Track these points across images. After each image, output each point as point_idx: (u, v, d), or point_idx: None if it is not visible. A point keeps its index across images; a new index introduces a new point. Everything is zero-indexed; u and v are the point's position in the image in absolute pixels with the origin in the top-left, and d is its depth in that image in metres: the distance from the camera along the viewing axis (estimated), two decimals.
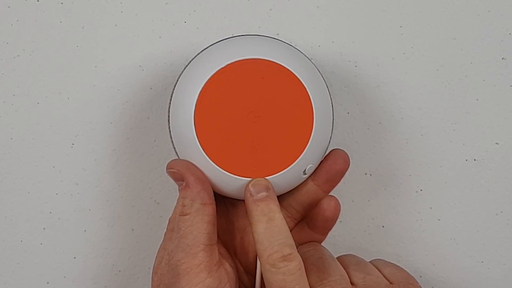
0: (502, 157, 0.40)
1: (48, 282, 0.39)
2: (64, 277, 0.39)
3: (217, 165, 0.34)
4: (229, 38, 0.36)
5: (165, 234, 0.35)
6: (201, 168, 0.34)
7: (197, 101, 0.33)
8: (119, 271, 0.40)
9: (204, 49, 0.35)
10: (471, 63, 0.40)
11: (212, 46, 0.35)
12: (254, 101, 0.34)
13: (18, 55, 0.39)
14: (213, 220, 0.33)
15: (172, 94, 0.35)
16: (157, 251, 0.34)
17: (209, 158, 0.33)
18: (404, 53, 0.40)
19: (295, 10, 0.40)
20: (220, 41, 0.35)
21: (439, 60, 0.40)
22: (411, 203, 0.40)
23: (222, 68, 0.33)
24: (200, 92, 0.33)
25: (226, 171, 0.34)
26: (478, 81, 0.40)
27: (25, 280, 0.40)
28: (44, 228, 0.39)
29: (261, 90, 0.34)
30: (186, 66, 0.35)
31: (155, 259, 0.34)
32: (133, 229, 0.40)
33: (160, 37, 0.39)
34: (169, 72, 0.40)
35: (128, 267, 0.40)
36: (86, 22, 0.39)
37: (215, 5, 0.40)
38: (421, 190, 0.40)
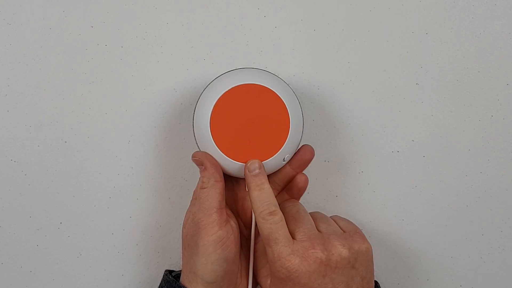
0: (416, 150, 0.46)
1: (112, 233, 0.46)
2: (123, 230, 0.45)
3: (225, 155, 0.38)
4: (233, 70, 0.40)
5: (191, 202, 0.39)
6: (214, 157, 0.38)
7: (211, 112, 0.38)
8: (160, 226, 0.45)
9: (216, 77, 0.40)
10: (395, 87, 0.45)
11: (222, 75, 0.39)
12: (250, 112, 0.38)
13: (93, 81, 0.45)
14: (222, 192, 0.37)
15: (195, 108, 0.39)
16: (185, 213, 0.39)
17: (220, 150, 0.38)
18: (350, 80, 0.45)
19: (278, 51, 0.46)
20: (227, 72, 0.40)
21: (374, 85, 0.46)
22: (355, 180, 0.45)
23: (229, 89, 0.38)
24: (214, 106, 0.38)
25: (231, 158, 0.38)
26: (400, 99, 0.45)
27: (96, 231, 0.46)
28: (110, 197, 0.45)
29: (255, 105, 0.38)
30: (204, 89, 0.39)
31: (184, 218, 0.39)
32: (169, 198, 0.45)
33: (187, 69, 0.45)
34: (193, 93, 0.45)
35: (166, 222, 0.45)
36: (138, 59, 0.45)
37: (224, 48, 0.45)
38: (362, 171, 0.45)
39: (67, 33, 0.45)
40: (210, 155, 0.38)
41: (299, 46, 0.46)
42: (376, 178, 0.46)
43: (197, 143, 0.39)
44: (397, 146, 0.46)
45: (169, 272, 0.42)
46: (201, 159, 0.38)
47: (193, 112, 0.39)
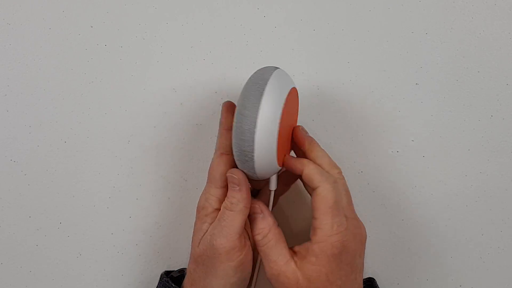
0: (416, 150, 0.46)
1: (112, 233, 0.46)
2: (123, 230, 0.46)
3: (279, 164, 0.37)
4: (264, 68, 0.37)
5: (199, 218, 0.38)
6: (269, 164, 0.36)
7: (280, 119, 0.35)
8: (160, 225, 0.46)
9: (259, 74, 0.35)
10: (395, 87, 0.46)
11: (273, 76, 0.35)
12: (291, 115, 0.38)
13: (92, 81, 0.46)
14: (246, 217, 0.37)
15: (248, 113, 0.34)
16: (193, 230, 0.38)
17: (278, 159, 0.36)
18: (350, 80, 0.46)
19: (278, 51, 0.46)
20: (261, 72, 0.36)
21: (373, 85, 0.46)
22: (355, 180, 0.46)
23: (287, 95, 0.36)
24: (281, 113, 0.35)
25: (280, 166, 0.38)
26: (400, 99, 0.46)
27: (96, 231, 0.46)
28: (109, 197, 0.46)
29: (293, 108, 0.39)
30: (251, 93, 0.34)
31: (194, 235, 0.38)
32: (169, 198, 0.46)
33: (187, 69, 0.46)
34: (193, 93, 0.46)
35: (166, 222, 0.46)
36: (138, 59, 0.46)
37: (224, 48, 0.46)
38: (362, 171, 0.46)
39: (67, 33, 0.46)
40: (247, 178, 0.37)
41: (299, 46, 0.47)
42: (376, 178, 0.47)
43: (241, 151, 0.35)
44: (397, 146, 0.47)
45: (165, 275, 0.41)
46: (239, 180, 0.37)
47: (239, 117, 0.35)
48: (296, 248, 0.37)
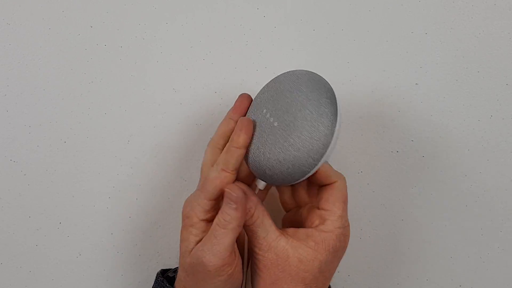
0: (416, 150, 0.46)
1: (112, 234, 0.46)
2: (123, 230, 0.46)
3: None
4: (318, 75, 0.37)
5: (184, 226, 0.37)
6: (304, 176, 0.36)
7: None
8: (159, 226, 0.47)
9: (321, 84, 0.36)
10: (395, 87, 0.46)
11: (330, 85, 0.36)
12: None
13: (92, 81, 0.46)
14: (237, 235, 0.36)
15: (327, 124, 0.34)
16: (180, 237, 0.37)
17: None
18: (350, 80, 0.46)
19: (277, 51, 0.47)
20: (318, 76, 0.37)
21: (373, 85, 0.47)
22: (355, 180, 0.47)
23: None
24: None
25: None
26: (399, 99, 0.46)
27: (96, 231, 0.46)
28: (109, 197, 0.46)
29: None
30: (335, 106, 0.34)
31: (181, 243, 0.37)
32: (169, 198, 0.46)
33: (187, 69, 0.46)
34: (193, 93, 0.46)
35: (165, 223, 0.47)
36: (138, 59, 0.46)
37: (223, 47, 0.46)
38: (361, 171, 0.47)
39: (67, 33, 0.46)
40: (245, 197, 0.36)
41: (299, 46, 0.47)
42: (376, 178, 0.47)
43: (298, 162, 0.35)
44: (397, 146, 0.47)
45: (161, 274, 0.41)
46: (237, 198, 0.35)
47: (312, 130, 0.34)
48: (291, 230, 0.38)
